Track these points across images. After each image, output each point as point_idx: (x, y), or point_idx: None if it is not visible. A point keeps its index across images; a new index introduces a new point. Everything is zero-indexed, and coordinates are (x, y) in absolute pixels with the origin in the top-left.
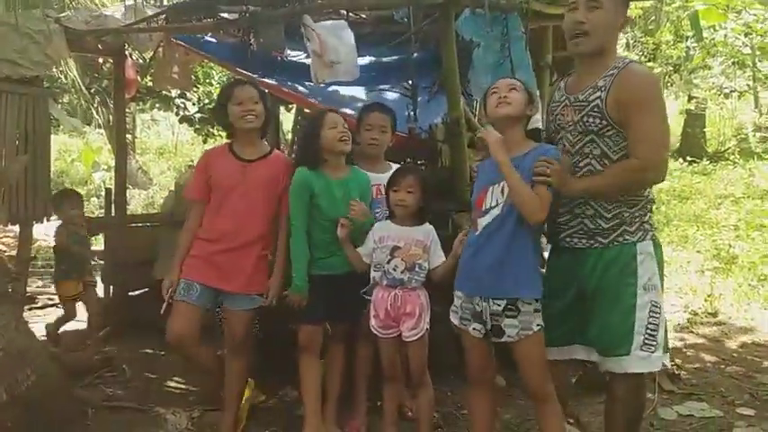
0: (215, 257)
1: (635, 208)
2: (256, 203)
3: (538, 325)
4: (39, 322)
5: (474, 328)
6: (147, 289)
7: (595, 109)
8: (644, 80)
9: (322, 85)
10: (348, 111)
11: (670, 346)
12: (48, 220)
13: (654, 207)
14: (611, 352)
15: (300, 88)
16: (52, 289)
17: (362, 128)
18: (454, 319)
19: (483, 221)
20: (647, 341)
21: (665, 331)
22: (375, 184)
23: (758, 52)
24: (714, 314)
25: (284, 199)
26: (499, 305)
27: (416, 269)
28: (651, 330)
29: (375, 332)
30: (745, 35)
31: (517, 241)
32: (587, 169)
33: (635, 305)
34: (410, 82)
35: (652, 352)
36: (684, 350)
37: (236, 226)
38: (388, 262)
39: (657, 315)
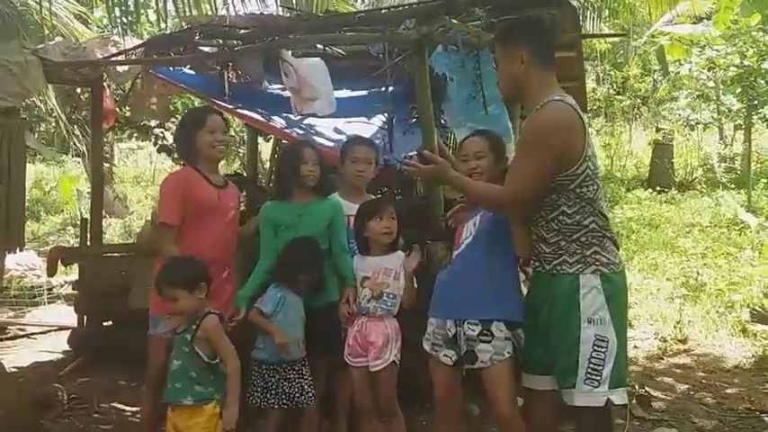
0: None
1: (573, 242)
2: (229, 227)
3: (508, 352)
4: (9, 353)
5: (445, 355)
6: (120, 319)
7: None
8: (535, 121)
9: (299, 117)
10: (326, 142)
11: (641, 370)
12: (21, 250)
13: (608, 243)
14: (561, 384)
15: (278, 120)
16: (24, 319)
17: (348, 160)
18: (426, 346)
19: (457, 251)
20: (589, 375)
21: (623, 366)
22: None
23: (721, 86)
24: (683, 341)
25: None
26: (473, 330)
27: (384, 297)
28: (594, 364)
29: (347, 361)
30: (709, 69)
31: (490, 264)
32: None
33: (579, 338)
34: (386, 115)
35: (595, 387)
36: (655, 376)
37: (217, 249)
38: (360, 292)
39: (603, 349)
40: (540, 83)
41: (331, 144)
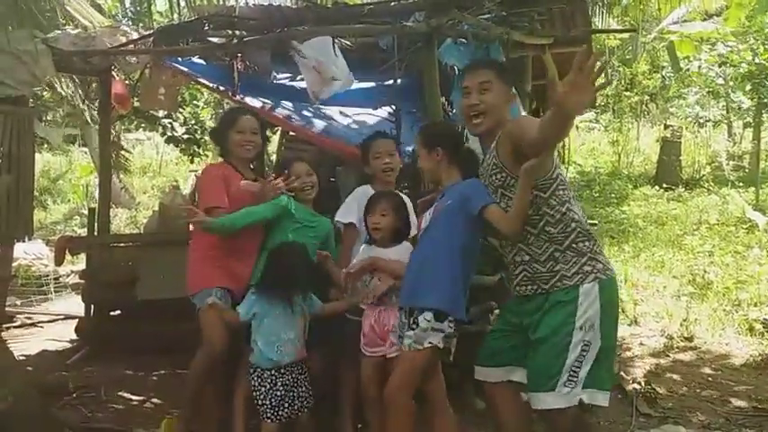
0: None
1: (566, 249)
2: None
3: (430, 342)
4: (16, 342)
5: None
6: (128, 309)
7: (494, 168)
8: (515, 123)
9: (309, 109)
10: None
11: (647, 370)
12: (29, 239)
13: (595, 244)
14: (537, 387)
15: (285, 110)
16: (32, 309)
17: (371, 157)
18: (393, 338)
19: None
20: (570, 378)
21: (604, 369)
22: None
23: (731, 83)
24: (690, 339)
25: None
26: (407, 318)
27: (395, 288)
28: (575, 368)
29: (363, 351)
30: (720, 65)
31: (434, 254)
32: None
33: (569, 344)
34: (393, 107)
35: (572, 388)
36: (661, 374)
37: (246, 240)
38: (369, 283)
39: (585, 353)
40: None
41: (340, 136)
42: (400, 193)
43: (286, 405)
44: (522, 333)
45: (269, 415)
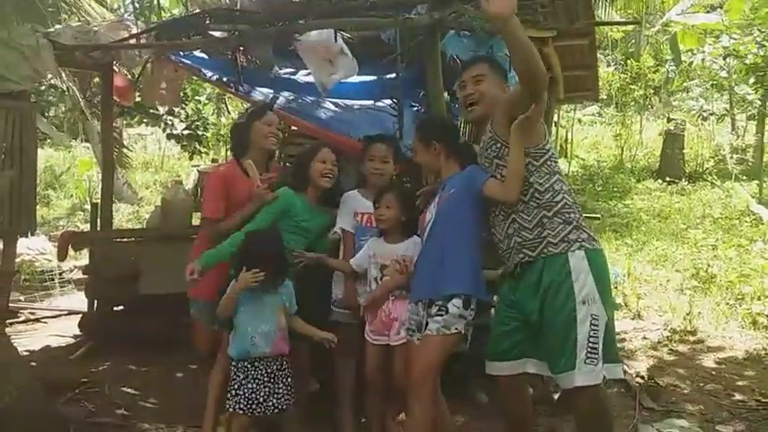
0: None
1: (555, 215)
2: None
3: (456, 328)
4: (20, 338)
5: (418, 339)
6: (131, 304)
7: (490, 141)
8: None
9: (311, 103)
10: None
11: (650, 364)
12: (32, 235)
13: (582, 221)
14: (558, 368)
15: (287, 104)
16: (35, 304)
17: (366, 158)
18: (402, 331)
19: (424, 236)
20: (589, 355)
21: (612, 342)
22: (369, 212)
23: (734, 75)
24: (693, 332)
25: None
26: (434, 309)
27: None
28: (592, 343)
29: (368, 338)
30: (724, 58)
31: (449, 243)
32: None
33: (575, 320)
34: (395, 100)
35: (595, 365)
36: (664, 368)
37: None
38: (380, 279)
39: (597, 327)
40: None
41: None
42: (407, 186)
43: (261, 399)
44: (526, 325)
45: (241, 407)
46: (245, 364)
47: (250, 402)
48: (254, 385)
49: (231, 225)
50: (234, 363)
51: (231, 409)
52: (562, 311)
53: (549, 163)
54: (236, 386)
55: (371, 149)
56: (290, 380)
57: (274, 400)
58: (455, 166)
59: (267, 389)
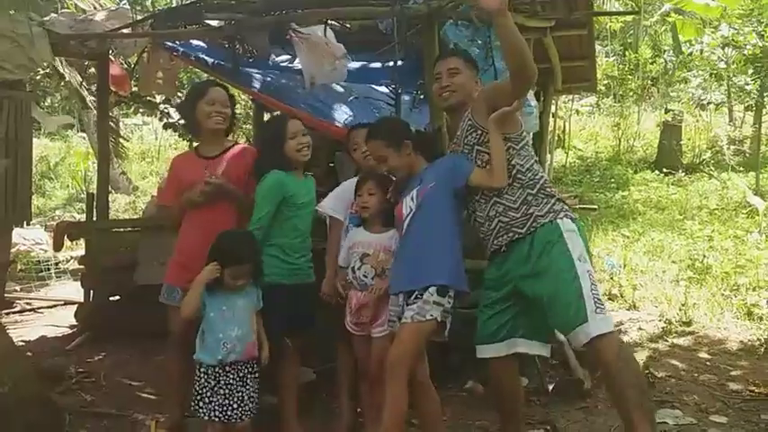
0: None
1: (538, 192)
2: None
3: (431, 315)
4: (16, 328)
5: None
6: (127, 294)
7: (470, 128)
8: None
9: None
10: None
11: (645, 355)
12: (28, 225)
13: (562, 198)
14: (571, 325)
15: (283, 93)
16: (31, 294)
17: (351, 149)
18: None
19: (403, 227)
20: (597, 304)
21: None
22: None
23: (733, 65)
24: (688, 323)
25: (249, 184)
26: (411, 297)
27: (386, 274)
28: (596, 294)
29: (349, 329)
30: (722, 48)
31: (429, 236)
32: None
33: (576, 275)
34: (392, 87)
35: (605, 313)
36: (659, 358)
37: (210, 221)
38: (359, 268)
39: (595, 283)
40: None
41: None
42: (389, 176)
43: (234, 405)
44: (514, 301)
45: (217, 414)
46: (217, 369)
47: (225, 408)
48: (227, 391)
49: (177, 212)
50: (203, 368)
51: (207, 418)
52: (561, 269)
53: (526, 147)
54: (208, 393)
55: (352, 136)
56: (256, 384)
57: (251, 404)
58: (423, 159)
59: (240, 393)
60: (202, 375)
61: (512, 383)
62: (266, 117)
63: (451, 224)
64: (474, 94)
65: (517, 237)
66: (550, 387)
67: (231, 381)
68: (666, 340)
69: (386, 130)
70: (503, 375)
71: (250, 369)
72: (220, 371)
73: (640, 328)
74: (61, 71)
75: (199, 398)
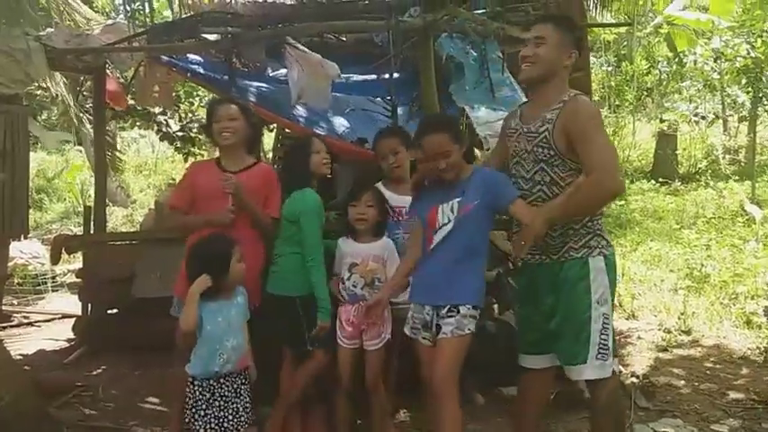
0: None
1: (581, 227)
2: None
3: (469, 329)
4: (14, 341)
5: (423, 337)
6: (124, 307)
7: (544, 140)
8: (586, 113)
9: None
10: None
11: (645, 364)
12: (25, 238)
13: (602, 223)
14: (569, 361)
15: (279, 107)
16: (29, 308)
17: (379, 158)
18: (406, 330)
19: (437, 237)
20: (601, 350)
21: (613, 339)
22: (400, 206)
23: (726, 76)
24: (687, 332)
25: (269, 207)
26: (444, 311)
27: (376, 284)
28: (603, 340)
29: (340, 342)
30: (715, 60)
31: (466, 254)
32: (538, 195)
33: (590, 318)
34: (388, 98)
35: (605, 360)
36: (659, 367)
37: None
38: (348, 278)
39: (608, 326)
40: (564, 80)
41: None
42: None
43: (230, 417)
44: (545, 322)
45: (213, 426)
46: (211, 382)
47: (221, 420)
48: (222, 402)
49: (192, 223)
50: (197, 381)
51: (203, 431)
52: (577, 309)
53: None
54: (203, 406)
55: (378, 149)
56: (249, 394)
57: (245, 415)
58: (468, 166)
59: (234, 405)
60: (197, 389)
61: (543, 393)
62: (264, 130)
63: (485, 245)
64: (561, 72)
65: (547, 261)
66: (551, 397)
67: (226, 392)
68: (666, 349)
69: (451, 124)
70: (537, 384)
71: (243, 380)
72: (215, 383)
73: (639, 337)
74: (52, 88)
75: (194, 411)
